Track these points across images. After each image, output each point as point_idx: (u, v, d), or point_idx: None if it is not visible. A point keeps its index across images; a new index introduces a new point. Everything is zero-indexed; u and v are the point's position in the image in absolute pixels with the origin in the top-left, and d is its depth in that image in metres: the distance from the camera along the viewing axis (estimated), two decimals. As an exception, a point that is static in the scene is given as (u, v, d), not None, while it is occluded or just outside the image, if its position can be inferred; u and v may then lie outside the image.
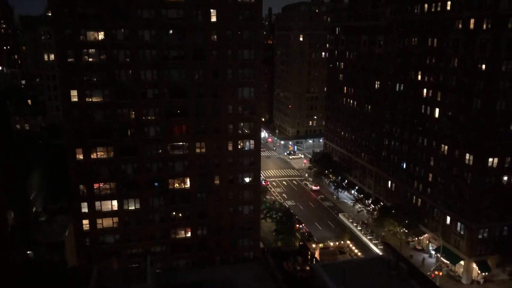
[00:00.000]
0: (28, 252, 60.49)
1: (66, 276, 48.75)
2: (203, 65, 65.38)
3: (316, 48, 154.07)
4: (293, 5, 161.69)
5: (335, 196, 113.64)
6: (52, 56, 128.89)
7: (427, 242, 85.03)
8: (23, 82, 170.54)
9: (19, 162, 69.35)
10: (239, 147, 69.44)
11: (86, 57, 61.70)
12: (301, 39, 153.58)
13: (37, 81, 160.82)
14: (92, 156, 63.87)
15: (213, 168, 68.70)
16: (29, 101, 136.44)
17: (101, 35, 61.84)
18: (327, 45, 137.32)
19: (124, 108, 63.95)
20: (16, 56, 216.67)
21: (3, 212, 50.64)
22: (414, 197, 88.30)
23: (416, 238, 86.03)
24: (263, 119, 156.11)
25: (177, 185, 68.41)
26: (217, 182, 69.32)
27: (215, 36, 65.01)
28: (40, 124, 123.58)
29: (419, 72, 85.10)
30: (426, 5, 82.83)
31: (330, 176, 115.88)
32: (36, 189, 75.83)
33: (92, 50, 61.91)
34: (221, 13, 64.54)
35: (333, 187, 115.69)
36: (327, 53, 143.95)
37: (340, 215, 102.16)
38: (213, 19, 64.54)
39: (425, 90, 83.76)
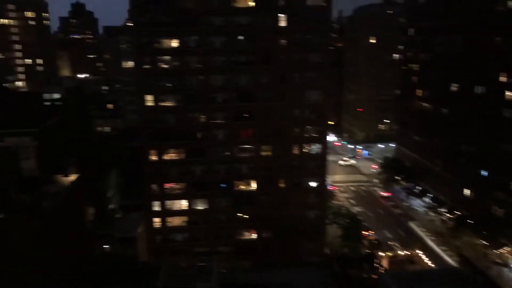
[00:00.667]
0: (105, 246, 64.88)
1: (137, 270, 51.78)
2: (270, 70, 66.19)
3: (388, 49, 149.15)
4: (365, 7, 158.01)
5: (406, 204, 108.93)
6: (130, 63, 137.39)
7: (509, 255, 78.63)
8: (105, 87, 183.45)
9: (99, 162, 74.71)
10: (305, 150, 69.23)
11: (160, 63, 65.20)
12: (372, 41, 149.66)
13: (117, 86, 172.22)
14: (164, 157, 67.18)
15: (279, 171, 69.12)
16: (110, 106, 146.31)
17: (174, 43, 65.04)
18: (400, 46, 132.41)
19: (195, 112, 66.57)
20: (100, 64, 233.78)
21: (84, 208, 54.95)
22: (495, 207, 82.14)
23: (496, 251, 79.92)
24: (331, 123, 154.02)
25: (243, 187, 69.71)
26: (282, 185, 69.63)
27: (284, 41, 65.55)
28: (119, 127, 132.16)
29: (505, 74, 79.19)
30: None
31: (402, 182, 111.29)
32: (113, 187, 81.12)
33: (166, 57, 65.27)
34: (290, 18, 64.98)
35: (404, 194, 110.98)
36: (399, 55, 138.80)
37: (411, 223, 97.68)
38: (282, 24, 65.15)
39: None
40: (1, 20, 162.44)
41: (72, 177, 47.81)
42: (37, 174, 45.75)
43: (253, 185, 69.60)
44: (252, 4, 64.45)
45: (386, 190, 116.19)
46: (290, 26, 65.08)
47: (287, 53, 65.81)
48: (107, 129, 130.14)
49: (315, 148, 69.46)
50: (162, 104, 65.86)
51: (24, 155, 47.17)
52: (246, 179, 69.57)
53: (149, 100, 65.41)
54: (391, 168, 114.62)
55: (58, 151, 55.47)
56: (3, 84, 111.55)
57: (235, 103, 66.62)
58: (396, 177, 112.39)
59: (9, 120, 51.66)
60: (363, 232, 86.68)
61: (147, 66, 64.67)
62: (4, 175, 40.70)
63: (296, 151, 68.85)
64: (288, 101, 67.06)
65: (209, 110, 66.55)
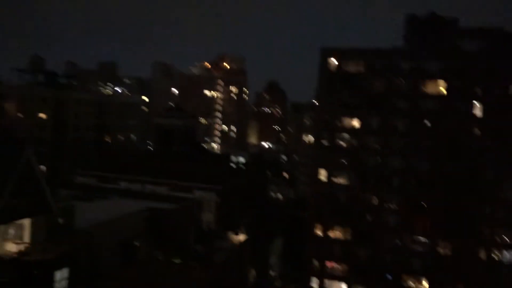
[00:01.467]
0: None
1: None
2: (458, 159, 60.74)
3: None
4: None
5: None
6: (310, 138, 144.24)
7: None
8: (284, 157, 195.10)
9: (268, 226, 77.96)
10: (495, 257, 59.26)
11: (339, 140, 66.61)
12: None
13: (295, 158, 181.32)
14: (329, 233, 66.21)
15: (457, 275, 60.44)
16: (286, 175, 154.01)
17: (355, 122, 66.06)
18: None
19: (368, 192, 64.78)
20: (283, 136, 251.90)
21: (247, 268, 57.21)
22: None
23: None
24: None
25: (412, 285, 62.81)
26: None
27: (477, 130, 60.14)
28: (291, 195, 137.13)
29: None
30: None
31: None
32: (276, 254, 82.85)
33: (345, 135, 66.50)
34: (487, 107, 59.77)
35: None
36: None
37: None
38: (477, 112, 60.24)
39: None
40: (212, 92, 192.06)
41: (242, 237, 50.80)
42: (213, 228, 50.15)
43: (425, 285, 62.16)
44: (443, 91, 61.85)
45: None
46: (488, 115, 59.54)
47: (480, 143, 59.75)
48: (280, 196, 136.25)
49: (509, 256, 58.89)
50: (335, 180, 66.20)
51: (207, 209, 52.62)
52: (417, 276, 62.68)
53: (323, 174, 66.60)
54: None
55: (234, 210, 60.20)
56: (201, 144, 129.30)
57: (413, 189, 62.54)
58: None
59: (200, 175, 58.86)
60: None
61: (325, 142, 66.70)
62: (188, 224, 45.80)
63: (483, 255, 59.54)
64: (477, 195, 59.70)
65: (383, 192, 63.94)
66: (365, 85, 65.33)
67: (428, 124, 62.43)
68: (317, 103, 72.11)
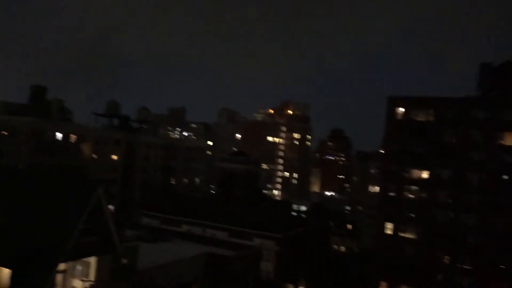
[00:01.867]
0: None
1: None
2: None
3: None
4: None
5: None
6: (376, 188, 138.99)
7: None
8: (348, 207, 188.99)
9: (328, 280, 74.43)
10: None
11: (406, 192, 63.37)
12: None
13: (359, 208, 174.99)
14: (395, 292, 61.77)
15: None
16: (349, 226, 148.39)
17: (424, 174, 62.79)
18: None
19: (437, 249, 60.24)
20: (347, 185, 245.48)
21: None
22: None
23: None
24: None
25: None
26: None
27: None
28: (354, 248, 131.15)
29: None
30: None
31: None
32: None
33: (413, 187, 63.20)
34: None
35: None
36: None
37: None
38: None
39: None
40: (275, 138, 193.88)
41: (301, 289, 48.74)
42: (272, 278, 48.68)
43: None
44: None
45: None
46: None
47: None
48: (342, 248, 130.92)
49: None
50: (402, 234, 62.44)
51: (266, 257, 51.41)
52: None
53: (389, 227, 63.21)
54: None
55: (294, 261, 58.32)
56: (263, 190, 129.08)
57: (489, 249, 57.22)
58: None
59: (260, 222, 58.21)
60: None
61: (392, 193, 63.74)
62: (246, 272, 44.93)
63: None
64: None
65: (455, 251, 59.07)
66: (435, 135, 62.48)
67: (508, 179, 57.74)
68: (383, 152, 69.83)
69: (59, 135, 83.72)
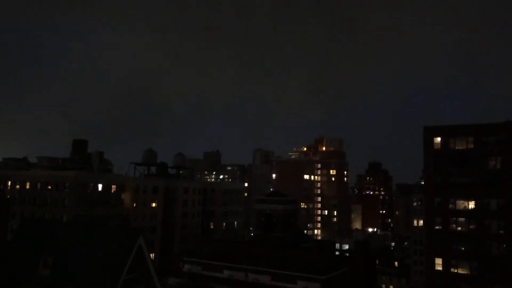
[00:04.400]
0: None
1: None
2: None
3: None
4: None
5: None
6: (421, 222, 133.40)
7: None
8: (393, 244, 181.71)
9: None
10: None
11: (454, 225, 60.46)
12: None
13: (405, 244, 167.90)
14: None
15: None
16: (396, 263, 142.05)
17: (471, 204, 59.97)
18: None
19: (495, 285, 56.35)
20: (389, 220, 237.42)
21: None
22: None
23: None
24: None
25: None
26: None
27: None
28: (403, 287, 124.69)
29: None
30: None
31: None
32: None
33: (460, 219, 60.32)
34: None
35: None
36: None
37: None
38: None
39: None
40: (311, 176, 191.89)
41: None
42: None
43: None
44: None
45: None
46: None
47: None
48: (391, 287, 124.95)
49: None
50: (454, 270, 59.02)
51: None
52: None
53: (439, 263, 60.00)
54: None
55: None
56: (304, 231, 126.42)
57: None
58: None
59: (303, 263, 56.57)
60: None
61: (439, 227, 60.95)
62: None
63: None
64: None
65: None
66: (477, 163, 60.03)
67: None
68: (425, 184, 67.51)
69: (100, 186, 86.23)
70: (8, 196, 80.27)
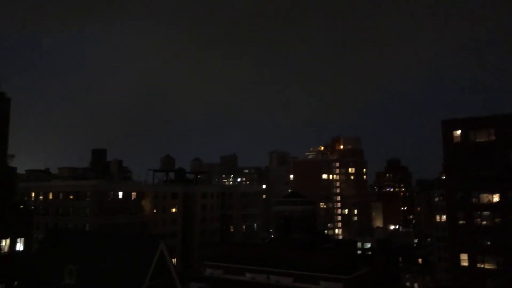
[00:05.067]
0: None
1: None
2: None
3: None
4: None
5: None
6: (443, 217, 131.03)
7: None
8: (415, 241, 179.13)
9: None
10: None
11: (478, 219, 59.21)
12: None
13: (428, 241, 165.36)
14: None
15: None
16: (419, 260, 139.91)
17: (495, 197, 58.67)
18: None
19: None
20: (411, 216, 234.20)
21: None
22: None
23: None
24: None
25: None
26: None
27: None
28: (428, 284, 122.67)
29: None
30: None
31: None
32: None
33: (485, 213, 59.04)
34: None
35: None
36: None
37: None
38: None
39: None
40: (329, 175, 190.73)
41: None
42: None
43: None
44: None
45: None
46: None
47: None
48: (415, 285, 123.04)
49: None
50: (480, 265, 57.76)
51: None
52: None
53: (464, 259, 58.78)
54: None
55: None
56: (324, 231, 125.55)
57: None
58: None
59: (325, 264, 56.14)
60: None
61: (462, 222, 59.75)
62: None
63: None
64: None
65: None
66: (500, 155, 58.70)
67: None
68: (445, 179, 66.34)
69: (120, 194, 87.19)
70: (32, 207, 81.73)
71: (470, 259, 58.28)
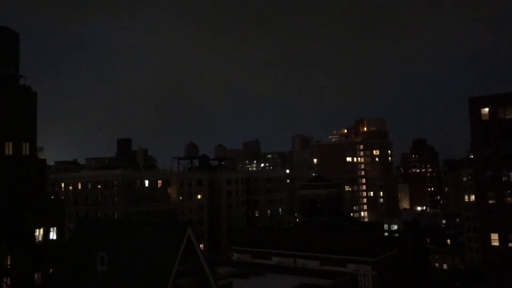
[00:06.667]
0: None
1: None
2: None
3: None
4: None
5: None
6: (472, 197, 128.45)
7: None
8: (444, 221, 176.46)
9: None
10: None
11: (509, 198, 57.78)
12: None
13: (456, 221, 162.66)
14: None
15: None
16: (448, 241, 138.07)
17: (526, 175, 57.06)
18: None
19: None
20: (438, 197, 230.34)
21: None
22: None
23: None
24: None
25: None
26: None
27: None
28: (458, 265, 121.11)
29: None
30: None
31: None
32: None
33: (516, 191, 57.58)
34: None
35: None
36: None
37: None
38: None
39: None
40: (353, 158, 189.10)
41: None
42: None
43: None
44: None
45: None
46: None
47: None
48: (444, 266, 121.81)
49: None
50: (512, 245, 56.58)
51: (362, 283, 49.11)
52: None
53: (495, 239, 57.64)
54: None
55: (393, 284, 55.00)
56: (350, 214, 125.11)
57: None
58: None
59: (352, 247, 56.00)
60: None
61: (492, 201, 58.43)
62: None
63: None
64: None
65: None
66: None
67: None
68: (474, 158, 64.83)
69: (147, 182, 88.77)
70: (63, 197, 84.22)
71: (501, 239, 57.12)
